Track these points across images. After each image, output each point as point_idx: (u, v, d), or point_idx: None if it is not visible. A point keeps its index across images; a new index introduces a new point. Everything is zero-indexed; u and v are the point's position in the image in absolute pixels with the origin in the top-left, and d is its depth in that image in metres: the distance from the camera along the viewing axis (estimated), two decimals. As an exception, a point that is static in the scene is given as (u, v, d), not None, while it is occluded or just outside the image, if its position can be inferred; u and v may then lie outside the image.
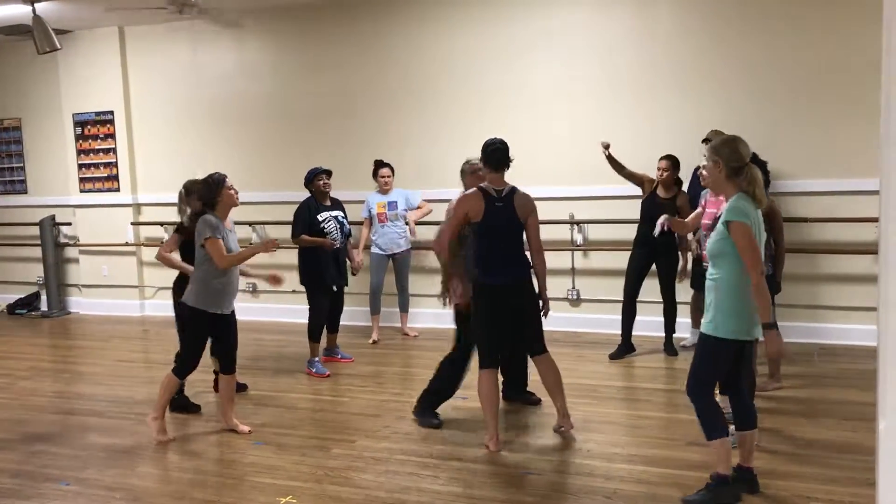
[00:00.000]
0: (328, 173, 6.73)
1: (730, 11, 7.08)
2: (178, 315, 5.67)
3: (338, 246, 6.67)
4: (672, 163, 6.62)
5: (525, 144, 7.19)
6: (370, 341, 7.72)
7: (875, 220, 6.58)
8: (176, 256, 5.72)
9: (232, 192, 5.12)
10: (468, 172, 5.43)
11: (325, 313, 6.73)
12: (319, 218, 6.62)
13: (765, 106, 6.99)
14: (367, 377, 6.58)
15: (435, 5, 8.06)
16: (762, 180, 3.85)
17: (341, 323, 7.10)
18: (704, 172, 5.31)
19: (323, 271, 6.64)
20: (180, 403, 5.77)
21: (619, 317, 6.88)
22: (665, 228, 5.09)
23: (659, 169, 6.64)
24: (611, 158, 6.71)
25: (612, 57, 7.49)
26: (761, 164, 6.35)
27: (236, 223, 8.68)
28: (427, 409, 5.35)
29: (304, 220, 6.62)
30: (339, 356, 7.06)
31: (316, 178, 6.67)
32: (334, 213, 6.70)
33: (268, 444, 5.06)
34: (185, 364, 5.19)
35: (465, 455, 4.75)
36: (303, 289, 6.81)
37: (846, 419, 5.10)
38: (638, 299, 6.85)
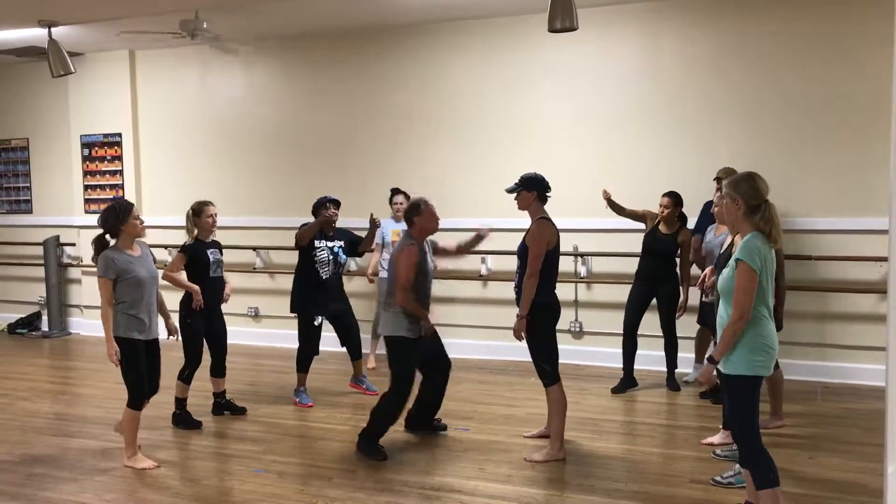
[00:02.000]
0: (336, 203, 6.64)
1: (735, 48, 7.14)
2: (183, 330, 5.83)
3: (327, 276, 6.53)
4: (674, 199, 6.63)
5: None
6: (370, 367, 7.72)
7: (880, 258, 6.61)
8: (183, 276, 5.92)
9: (137, 222, 5.03)
10: (423, 212, 5.43)
11: (311, 344, 6.61)
12: (315, 244, 6.53)
13: (770, 143, 7.02)
14: (368, 406, 6.51)
15: (442, 36, 8.13)
16: (779, 219, 3.78)
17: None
18: (716, 209, 5.37)
19: (306, 300, 6.53)
20: (183, 419, 5.92)
21: (622, 350, 6.87)
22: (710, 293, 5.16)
23: (661, 206, 6.67)
24: (611, 203, 6.81)
25: (617, 92, 7.55)
26: None
27: (236, 247, 8.78)
28: (372, 442, 5.32)
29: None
30: (365, 387, 6.86)
31: (322, 208, 6.58)
32: (331, 243, 6.58)
33: (268, 472, 5.02)
34: (136, 393, 5.10)
35: (466, 487, 4.71)
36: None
37: (850, 459, 5.06)
38: (640, 333, 6.83)
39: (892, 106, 2.96)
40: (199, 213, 5.97)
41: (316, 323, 6.59)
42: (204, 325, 5.99)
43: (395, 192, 7.69)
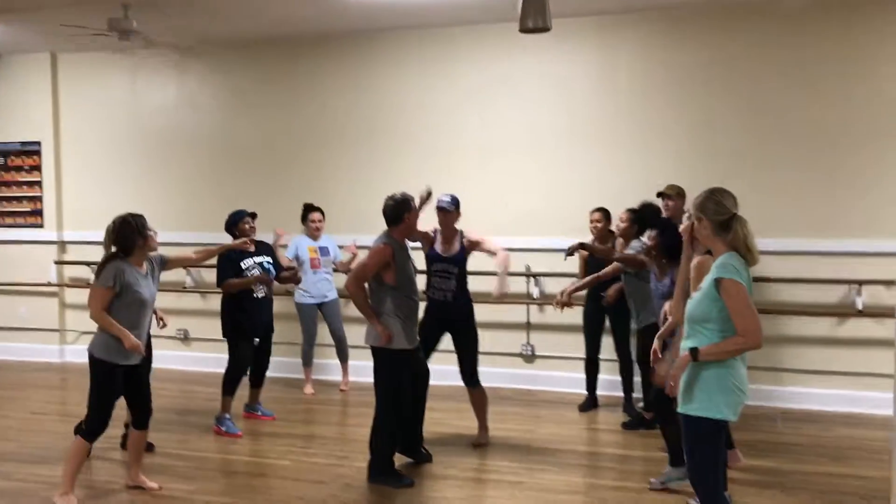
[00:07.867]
0: (253, 216, 6.28)
1: (691, 66, 6.97)
2: None
3: (262, 295, 6.18)
4: (604, 214, 6.49)
5: (478, 195, 6.95)
6: (308, 393, 7.32)
7: (837, 281, 6.51)
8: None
9: None
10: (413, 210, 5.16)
11: (246, 366, 6.23)
12: (243, 265, 6.10)
13: (725, 163, 6.82)
14: (308, 438, 6.09)
15: (387, 49, 7.76)
16: (752, 235, 3.53)
17: (273, 374, 6.64)
18: (621, 224, 5.94)
19: (246, 321, 6.14)
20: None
21: (578, 374, 6.67)
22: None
23: (592, 221, 6.50)
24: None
25: (571, 107, 7.30)
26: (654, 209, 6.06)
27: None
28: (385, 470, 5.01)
29: (228, 265, 6.10)
30: (260, 413, 6.50)
31: (241, 223, 6.19)
32: (259, 258, 6.19)
33: (200, 515, 4.55)
34: (94, 423, 4.62)
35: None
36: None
37: (823, 492, 4.82)
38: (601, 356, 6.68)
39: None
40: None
41: (256, 342, 6.22)
42: None
43: (311, 207, 7.34)
